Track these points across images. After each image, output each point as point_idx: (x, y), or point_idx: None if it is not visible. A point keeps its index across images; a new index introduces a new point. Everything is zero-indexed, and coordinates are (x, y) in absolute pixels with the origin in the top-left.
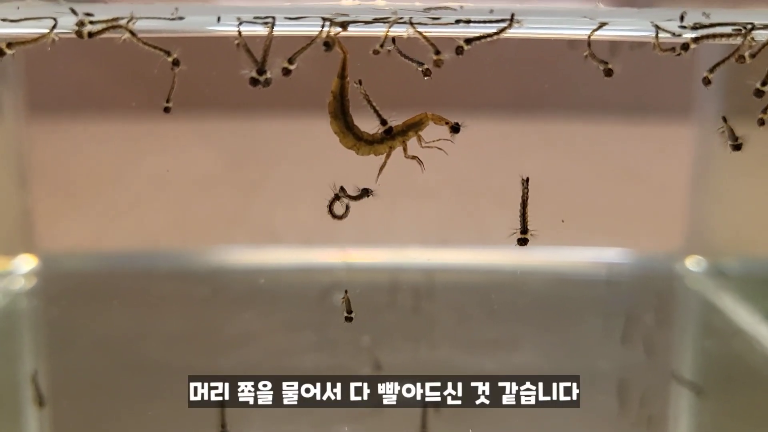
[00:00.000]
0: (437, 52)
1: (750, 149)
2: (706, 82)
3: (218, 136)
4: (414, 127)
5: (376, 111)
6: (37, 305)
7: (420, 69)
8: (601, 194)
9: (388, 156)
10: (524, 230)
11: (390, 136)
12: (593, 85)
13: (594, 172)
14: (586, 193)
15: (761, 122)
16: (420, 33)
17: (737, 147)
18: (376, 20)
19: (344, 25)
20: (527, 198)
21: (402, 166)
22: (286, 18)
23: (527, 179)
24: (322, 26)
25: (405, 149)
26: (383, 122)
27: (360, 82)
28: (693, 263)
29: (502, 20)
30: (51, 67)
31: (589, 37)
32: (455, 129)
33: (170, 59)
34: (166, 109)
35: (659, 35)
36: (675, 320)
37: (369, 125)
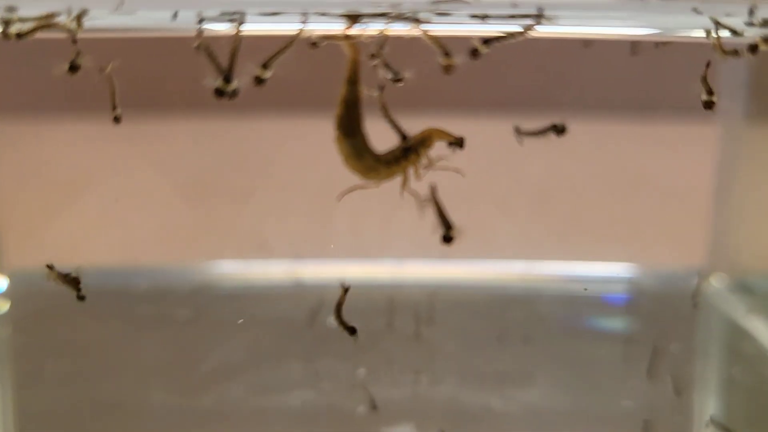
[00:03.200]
0: (446, 55)
1: None
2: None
3: (204, 140)
4: (422, 143)
5: (396, 126)
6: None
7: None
8: (616, 203)
9: (406, 178)
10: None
11: (406, 155)
12: (606, 83)
13: (609, 178)
14: (601, 201)
15: None
16: (425, 32)
17: None
18: (374, 15)
19: (354, 18)
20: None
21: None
22: (260, 14)
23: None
24: (303, 23)
25: (417, 170)
26: (404, 138)
27: (382, 89)
28: (718, 280)
29: (527, 16)
30: (15, 66)
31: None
32: (459, 144)
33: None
34: (116, 119)
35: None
36: (700, 346)
37: None
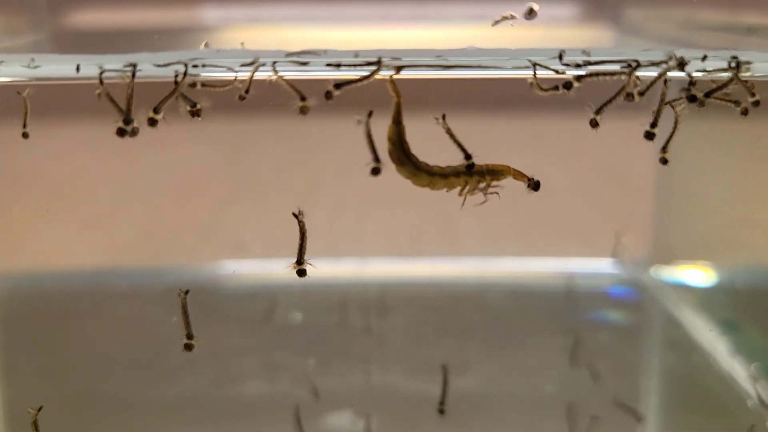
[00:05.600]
0: (302, 99)
1: (717, 153)
2: (594, 123)
3: (187, 145)
4: (493, 174)
5: (460, 146)
6: None
7: (192, 109)
8: (562, 199)
9: (462, 191)
10: (300, 261)
11: (469, 173)
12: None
13: (555, 174)
14: (546, 197)
15: (650, 136)
16: (282, 78)
17: None
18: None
19: (399, 69)
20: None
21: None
22: (154, 65)
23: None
24: (185, 73)
25: (472, 190)
26: (467, 157)
27: (443, 117)
28: (657, 273)
29: (370, 63)
30: None
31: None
32: (536, 187)
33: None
34: (24, 135)
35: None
36: (635, 336)
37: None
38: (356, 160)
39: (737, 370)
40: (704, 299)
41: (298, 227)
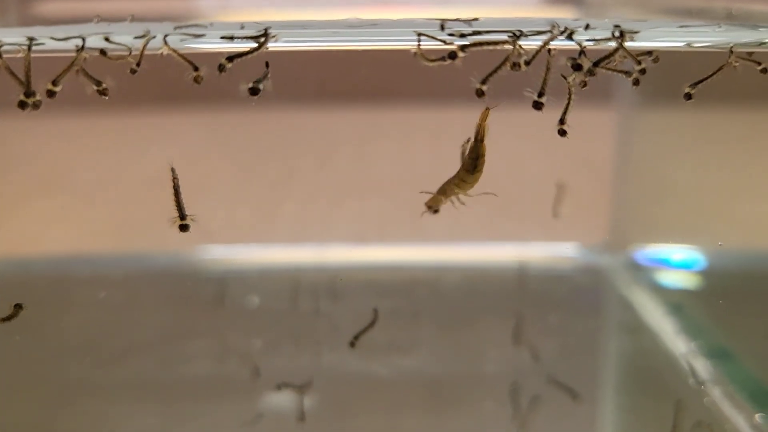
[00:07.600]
0: (196, 69)
1: (675, 140)
2: (480, 93)
3: (160, 136)
4: None
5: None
6: None
7: (97, 89)
8: (519, 184)
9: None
10: (183, 216)
11: None
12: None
13: (512, 160)
14: (504, 183)
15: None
16: (174, 50)
17: None
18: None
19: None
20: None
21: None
22: (52, 38)
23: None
24: (83, 47)
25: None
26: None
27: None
28: (613, 256)
29: (258, 36)
30: None
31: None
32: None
33: None
34: None
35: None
36: (591, 318)
37: None
38: (330, 150)
39: (682, 350)
40: (657, 282)
41: (172, 185)
